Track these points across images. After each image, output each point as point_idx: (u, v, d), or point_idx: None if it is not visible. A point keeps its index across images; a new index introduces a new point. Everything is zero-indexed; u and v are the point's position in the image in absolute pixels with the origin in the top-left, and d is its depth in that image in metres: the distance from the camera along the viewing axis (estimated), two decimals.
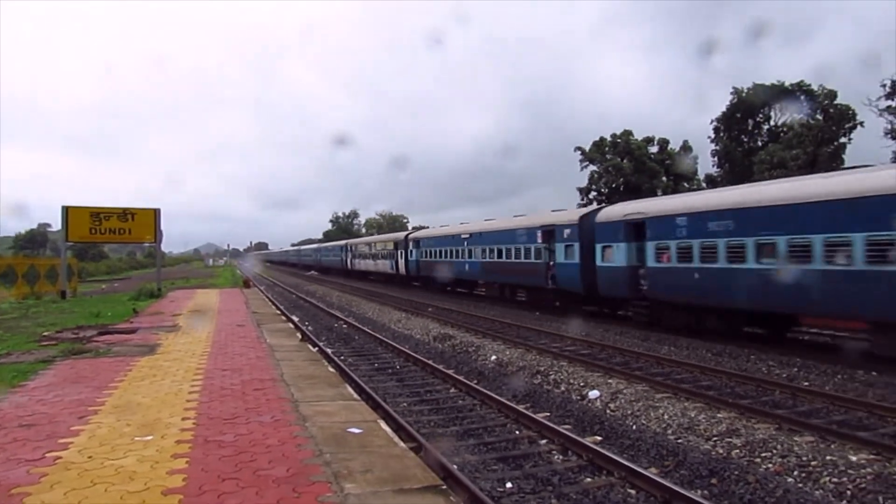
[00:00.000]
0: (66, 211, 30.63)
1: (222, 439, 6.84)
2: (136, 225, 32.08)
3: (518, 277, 28.23)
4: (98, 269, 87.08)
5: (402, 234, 47.42)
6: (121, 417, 7.80)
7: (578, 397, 11.90)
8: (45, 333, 16.66)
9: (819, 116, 42.87)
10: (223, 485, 5.51)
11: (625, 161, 58.94)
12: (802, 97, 45.93)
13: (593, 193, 60.56)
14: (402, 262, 44.33)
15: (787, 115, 49.24)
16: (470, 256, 32.56)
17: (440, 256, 36.99)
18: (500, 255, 29.05)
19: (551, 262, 24.68)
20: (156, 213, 32.56)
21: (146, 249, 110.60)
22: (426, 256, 39.97)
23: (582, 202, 60.03)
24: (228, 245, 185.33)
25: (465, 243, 33.09)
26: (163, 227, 33.02)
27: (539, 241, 25.56)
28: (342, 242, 72.35)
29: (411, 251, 42.60)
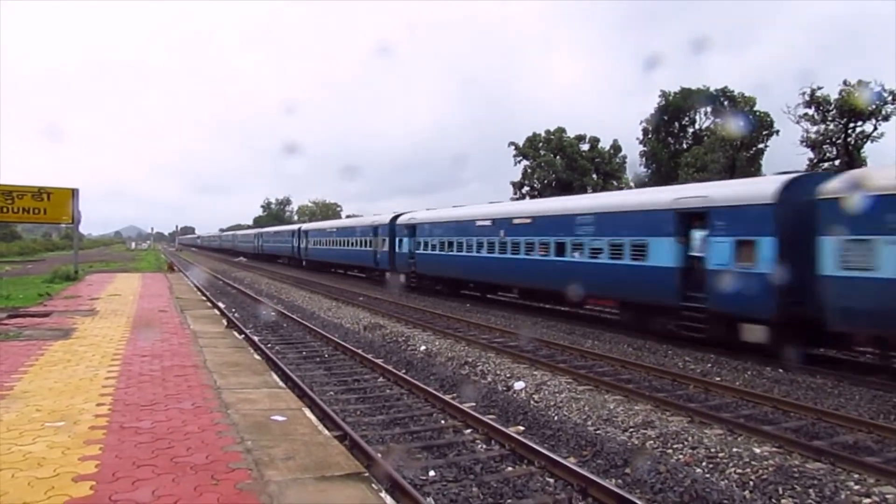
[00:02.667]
0: None
1: (139, 426, 6.66)
2: (52, 205, 30.51)
3: (617, 287, 17.76)
4: (10, 249, 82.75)
5: (385, 218, 35.23)
6: (30, 403, 7.48)
7: (504, 388, 12.11)
8: None
9: (740, 122, 44.82)
10: (138, 471, 5.37)
11: (557, 158, 60.10)
12: (726, 102, 47.87)
13: (526, 188, 61.52)
14: (384, 255, 34.11)
15: (709, 119, 51.33)
16: (514, 252, 22.38)
17: (451, 249, 26.91)
18: (574, 253, 19.20)
19: (697, 266, 15.23)
20: (73, 192, 31.08)
21: (63, 230, 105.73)
22: (427, 248, 29.14)
23: (515, 196, 60.92)
24: (152, 228, 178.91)
25: (503, 233, 23.13)
26: (82, 208, 31.58)
27: (669, 231, 15.99)
28: (293, 227, 60.40)
29: (400, 240, 32.06)
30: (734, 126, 44.59)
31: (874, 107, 38.27)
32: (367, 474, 5.78)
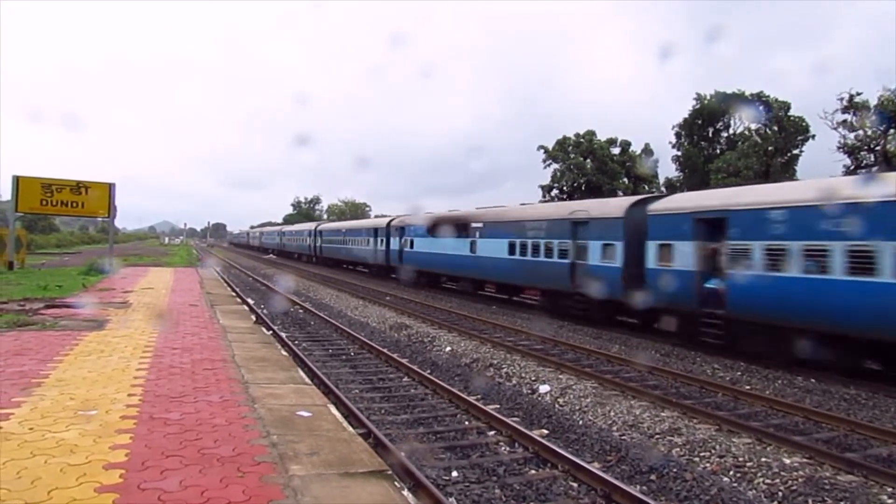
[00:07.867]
0: (17, 181, 29.78)
1: (168, 417, 6.77)
2: (90, 199, 31.31)
3: None
4: (48, 241, 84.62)
5: (611, 205, 20.70)
6: (64, 391, 7.66)
7: (529, 391, 12.06)
8: None
9: (775, 127, 44.05)
10: (166, 461, 5.47)
11: (587, 161, 59.70)
12: (761, 107, 47.06)
13: (555, 191, 61.22)
14: (612, 272, 18.44)
15: (743, 123, 50.46)
16: None
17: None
18: None
19: None
20: (110, 187, 31.82)
21: (99, 224, 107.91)
22: (793, 268, 12.97)
23: (543, 200, 60.64)
24: (185, 224, 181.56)
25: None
26: (117, 203, 32.35)
27: None
28: (376, 221, 42.51)
29: (661, 247, 16.54)
30: (770, 131, 43.83)
31: None
32: (390, 472, 5.80)
